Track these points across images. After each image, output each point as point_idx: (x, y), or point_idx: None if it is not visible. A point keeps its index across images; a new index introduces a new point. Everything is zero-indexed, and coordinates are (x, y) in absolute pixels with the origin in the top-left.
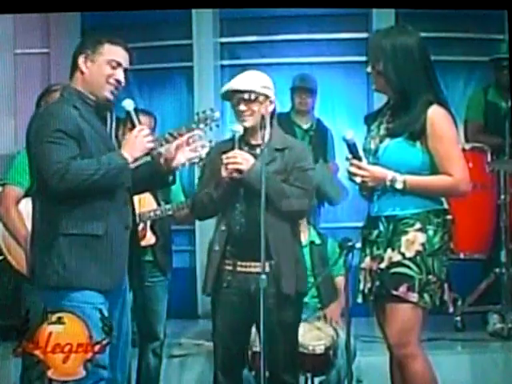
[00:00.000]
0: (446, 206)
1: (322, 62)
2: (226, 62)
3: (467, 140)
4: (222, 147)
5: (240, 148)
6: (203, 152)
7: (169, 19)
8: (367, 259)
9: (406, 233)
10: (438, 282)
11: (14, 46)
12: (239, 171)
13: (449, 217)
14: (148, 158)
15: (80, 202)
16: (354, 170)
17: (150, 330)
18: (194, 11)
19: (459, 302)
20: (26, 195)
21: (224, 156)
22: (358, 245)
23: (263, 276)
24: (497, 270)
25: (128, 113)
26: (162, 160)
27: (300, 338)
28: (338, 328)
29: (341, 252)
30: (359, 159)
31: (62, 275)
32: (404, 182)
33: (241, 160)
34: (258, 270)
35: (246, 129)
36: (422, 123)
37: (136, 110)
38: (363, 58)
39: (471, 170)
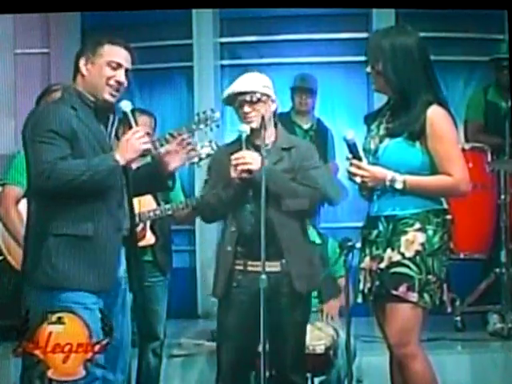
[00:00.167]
0: (445, 205)
1: (322, 62)
2: (226, 62)
3: (467, 140)
4: (228, 149)
5: (247, 148)
6: (203, 151)
7: (169, 19)
8: (367, 259)
9: (405, 233)
10: (437, 281)
11: (14, 46)
12: (249, 171)
13: (448, 217)
14: (148, 159)
15: (70, 203)
16: (353, 169)
17: (150, 330)
18: (194, 11)
19: (457, 302)
20: (25, 195)
21: (232, 157)
22: (358, 245)
23: (263, 276)
24: (497, 269)
25: (125, 114)
26: (158, 163)
27: None
28: (338, 328)
29: (341, 252)
30: (359, 159)
31: (51, 275)
32: (404, 182)
33: (250, 160)
34: (269, 269)
35: (251, 130)
36: (421, 123)
37: (133, 111)
38: (363, 58)
39: (471, 169)
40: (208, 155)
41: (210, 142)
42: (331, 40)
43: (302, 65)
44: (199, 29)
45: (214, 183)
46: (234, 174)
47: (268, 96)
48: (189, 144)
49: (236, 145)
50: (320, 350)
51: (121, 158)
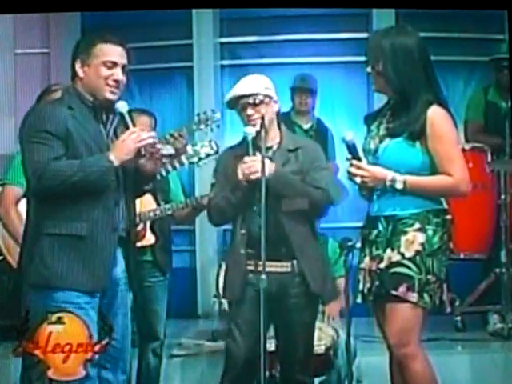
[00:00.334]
0: (445, 205)
1: (322, 62)
2: (226, 62)
3: (467, 140)
4: (234, 151)
5: (253, 151)
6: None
7: (169, 19)
8: (366, 259)
9: (405, 233)
10: (437, 281)
11: (14, 46)
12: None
13: (448, 217)
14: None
15: (64, 203)
16: (353, 170)
17: (150, 330)
18: (194, 11)
19: (457, 302)
20: (25, 195)
21: (240, 166)
22: (358, 245)
23: (263, 276)
24: (497, 269)
25: (121, 115)
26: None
27: None
28: (338, 328)
29: (341, 252)
30: (359, 160)
31: (44, 275)
32: (404, 182)
33: (254, 169)
34: (280, 269)
35: (256, 132)
36: (421, 123)
37: (130, 111)
38: (363, 58)
39: (471, 170)
40: (207, 155)
41: (210, 141)
42: (331, 40)
43: (302, 65)
44: (199, 29)
45: (222, 186)
46: (241, 177)
47: (270, 97)
48: (158, 153)
49: (242, 147)
50: (320, 350)
51: (115, 158)
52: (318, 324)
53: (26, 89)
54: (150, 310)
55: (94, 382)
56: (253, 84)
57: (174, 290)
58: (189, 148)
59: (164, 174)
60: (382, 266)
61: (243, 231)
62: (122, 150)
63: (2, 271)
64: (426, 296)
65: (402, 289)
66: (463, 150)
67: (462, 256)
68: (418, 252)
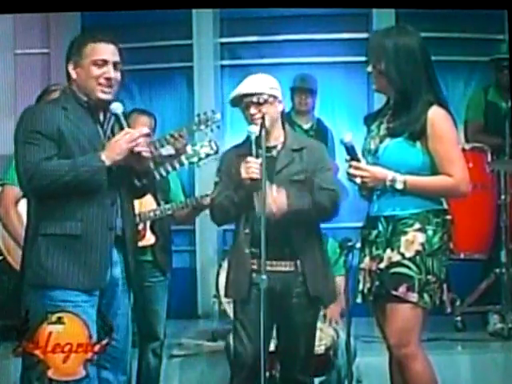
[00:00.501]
0: (445, 206)
1: (322, 62)
2: (226, 62)
3: (467, 140)
4: (237, 150)
5: (257, 150)
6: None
7: (169, 19)
8: (366, 259)
9: (405, 233)
10: (437, 282)
11: (14, 46)
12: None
13: (448, 217)
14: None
15: (58, 203)
16: (353, 171)
17: (150, 330)
18: (194, 11)
19: (457, 303)
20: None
21: (243, 165)
22: (358, 245)
23: (263, 276)
24: (497, 270)
25: (116, 115)
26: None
27: None
28: (339, 328)
29: (341, 252)
30: (358, 161)
31: (41, 274)
32: (404, 183)
33: (255, 170)
34: (282, 268)
35: (263, 131)
36: (422, 123)
37: (125, 112)
38: (363, 58)
39: (471, 170)
40: (207, 155)
41: (210, 141)
42: (331, 40)
43: (302, 65)
44: (199, 29)
45: (226, 185)
46: (244, 175)
47: (275, 97)
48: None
49: (245, 146)
50: (320, 350)
51: (107, 158)
52: (318, 324)
53: (26, 89)
54: (150, 310)
55: (94, 382)
56: (258, 83)
57: (174, 290)
58: (188, 148)
59: (164, 174)
60: (382, 266)
61: (247, 230)
62: (114, 150)
63: (1, 271)
64: (426, 296)
65: (402, 289)
66: (463, 150)
67: (462, 256)
68: (418, 252)
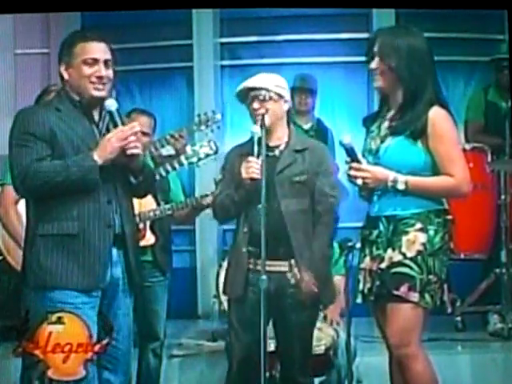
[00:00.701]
0: (446, 206)
1: (322, 62)
2: (226, 63)
3: (467, 140)
4: (240, 149)
5: (258, 151)
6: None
7: (169, 19)
8: (367, 259)
9: (406, 233)
10: (438, 282)
11: (14, 46)
12: (253, 179)
13: (449, 217)
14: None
15: (54, 203)
16: (353, 172)
17: (150, 330)
18: (194, 11)
19: (458, 303)
20: None
21: (243, 165)
22: (358, 245)
23: (263, 276)
24: (497, 270)
25: (110, 113)
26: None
27: None
28: (339, 328)
29: (341, 252)
30: (358, 162)
31: (39, 275)
32: (406, 183)
33: (256, 170)
34: (278, 268)
35: (263, 129)
36: (423, 122)
37: (118, 110)
38: (363, 58)
39: (471, 170)
40: (207, 155)
41: (209, 142)
42: (331, 40)
43: (302, 65)
44: (199, 29)
45: (228, 183)
46: (244, 175)
47: (280, 96)
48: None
49: (248, 146)
50: (320, 350)
51: (99, 157)
52: (318, 324)
53: (26, 89)
54: (150, 310)
55: (95, 382)
56: (265, 79)
57: (174, 290)
58: (188, 148)
59: (164, 174)
60: (382, 266)
61: (245, 229)
62: (105, 149)
63: (1, 271)
64: (427, 296)
65: (403, 289)
66: (463, 150)
67: (462, 256)
68: (419, 252)
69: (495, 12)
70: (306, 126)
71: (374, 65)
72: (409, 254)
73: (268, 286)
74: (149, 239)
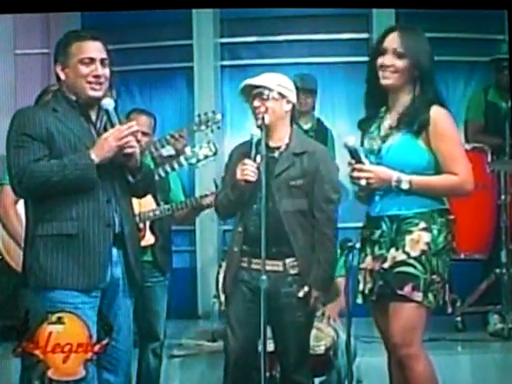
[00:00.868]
0: (447, 205)
1: (322, 62)
2: (226, 63)
3: (467, 140)
4: (242, 149)
5: (257, 152)
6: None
7: (169, 19)
8: (368, 259)
9: (410, 232)
10: (441, 281)
11: (14, 46)
12: (248, 181)
13: (451, 216)
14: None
15: (53, 203)
16: (357, 174)
17: (150, 331)
18: (194, 11)
19: (458, 303)
20: None
21: (239, 166)
22: (358, 245)
23: (263, 277)
24: (497, 270)
25: (107, 112)
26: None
27: None
28: (338, 328)
29: (341, 252)
30: (361, 163)
31: (39, 276)
32: (410, 182)
33: (250, 172)
34: (271, 268)
35: (265, 127)
36: (425, 120)
37: (116, 109)
38: (363, 58)
39: (471, 170)
40: (206, 157)
41: (209, 143)
42: (331, 40)
43: (302, 65)
44: (199, 29)
45: (228, 182)
46: (239, 177)
47: (283, 96)
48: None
49: (248, 145)
50: (320, 350)
51: (96, 156)
52: (317, 324)
53: (26, 89)
54: (150, 310)
55: (94, 382)
56: (267, 78)
57: (174, 290)
58: (187, 149)
59: (163, 174)
60: (385, 265)
61: (240, 229)
62: (103, 148)
63: (0, 272)
64: (430, 296)
65: (407, 288)
66: None
67: (462, 256)
68: (423, 251)
69: (495, 12)
70: (306, 126)
71: (387, 61)
72: (413, 254)
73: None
74: (148, 239)
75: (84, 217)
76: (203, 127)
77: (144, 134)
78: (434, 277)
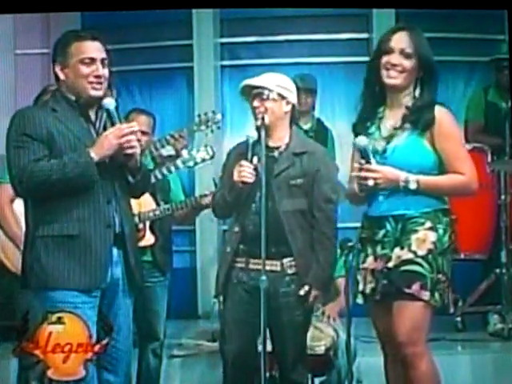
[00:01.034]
0: (448, 205)
1: (322, 62)
2: (226, 63)
3: (467, 140)
4: (240, 149)
5: (253, 154)
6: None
7: (169, 19)
8: (370, 259)
9: (416, 231)
10: (446, 281)
11: (14, 46)
12: (244, 182)
13: (453, 216)
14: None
15: (54, 204)
16: (364, 173)
17: (150, 331)
18: (194, 11)
19: (460, 303)
20: None
21: (236, 168)
22: (359, 245)
23: (263, 277)
24: (497, 270)
25: (108, 111)
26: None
27: None
28: (338, 328)
29: (341, 252)
30: (369, 163)
31: (41, 277)
32: (417, 182)
33: (247, 174)
34: (269, 268)
35: (265, 127)
36: (430, 119)
37: (117, 108)
38: (363, 58)
39: None
40: (203, 160)
41: (206, 146)
42: (331, 40)
43: (302, 65)
44: (199, 29)
45: (225, 182)
46: (236, 178)
47: (282, 97)
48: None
49: (245, 146)
50: (320, 350)
51: (95, 154)
52: (318, 324)
53: (26, 89)
54: (150, 310)
55: (94, 382)
56: (267, 79)
57: (174, 290)
58: (184, 152)
59: (159, 176)
60: (390, 264)
61: (236, 229)
62: (102, 146)
63: None
64: (436, 295)
65: (415, 287)
66: None
67: (462, 256)
68: (430, 250)
69: (495, 12)
70: (306, 126)
71: (394, 60)
72: (420, 253)
73: (258, 284)
74: (148, 239)
75: (85, 218)
76: (203, 127)
77: (143, 133)
78: (440, 276)
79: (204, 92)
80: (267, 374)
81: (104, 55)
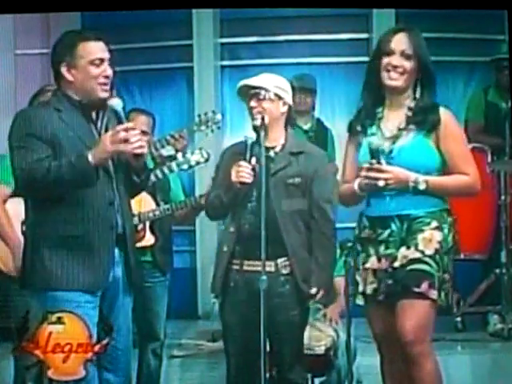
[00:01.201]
0: (449, 206)
1: (322, 62)
2: (226, 63)
3: (467, 140)
4: (235, 149)
5: (252, 154)
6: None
7: (169, 19)
8: (373, 259)
9: (422, 231)
10: (451, 280)
11: (14, 46)
12: (243, 183)
13: (455, 216)
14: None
15: (57, 205)
16: (374, 174)
17: (150, 331)
18: (194, 11)
19: (461, 303)
20: (14, 195)
21: (234, 168)
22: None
23: (263, 277)
24: (497, 270)
25: (115, 112)
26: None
27: None
28: (339, 329)
29: (341, 252)
30: (380, 163)
31: (44, 277)
32: (427, 183)
33: (245, 174)
34: (266, 268)
35: (260, 127)
36: (436, 120)
37: (124, 108)
38: (363, 58)
39: None
40: (197, 163)
41: (201, 149)
42: (331, 40)
43: (302, 65)
44: (199, 29)
45: (219, 182)
46: (234, 179)
47: (279, 97)
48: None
49: (242, 146)
50: (320, 350)
51: (93, 157)
52: (318, 324)
53: (26, 89)
54: (150, 311)
55: (94, 382)
56: (265, 79)
57: (174, 290)
58: (179, 155)
59: (154, 179)
60: (396, 264)
61: (232, 229)
62: (99, 149)
63: None
64: (442, 294)
65: (424, 285)
66: None
67: (462, 256)
68: (436, 250)
69: (495, 12)
70: (306, 126)
71: (395, 61)
72: (427, 252)
73: (255, 286)
74: (148, 240)
75: (88, 219)
76: (203, 127)
77: (143, 133)
78: (446, 275)
79: (204, 92)
80: (267, 375)
81: (109, 55)
